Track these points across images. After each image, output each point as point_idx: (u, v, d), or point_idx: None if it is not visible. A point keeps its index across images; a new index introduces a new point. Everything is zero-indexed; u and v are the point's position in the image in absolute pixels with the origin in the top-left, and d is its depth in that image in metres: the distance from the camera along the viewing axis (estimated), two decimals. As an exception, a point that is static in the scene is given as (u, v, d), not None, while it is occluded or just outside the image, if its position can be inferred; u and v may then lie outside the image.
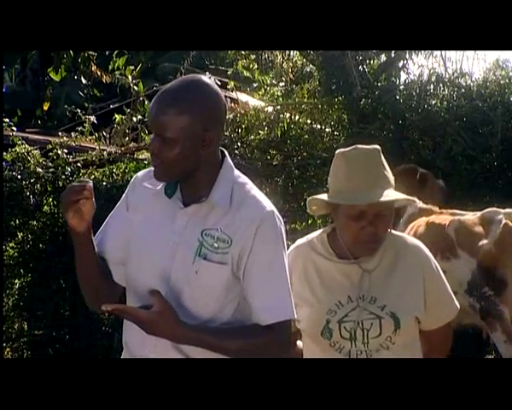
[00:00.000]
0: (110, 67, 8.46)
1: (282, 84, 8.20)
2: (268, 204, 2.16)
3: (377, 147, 2.44)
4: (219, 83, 7.77)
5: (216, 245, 2.11)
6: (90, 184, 2.11)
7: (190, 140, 2.08)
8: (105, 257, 2.26)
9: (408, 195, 2.49)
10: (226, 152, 2.23)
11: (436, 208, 5.12)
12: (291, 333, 2.18)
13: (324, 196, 2.44)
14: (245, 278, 2.12)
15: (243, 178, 2.21)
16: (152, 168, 2.19)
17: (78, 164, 7.25)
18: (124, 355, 2.25)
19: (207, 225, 2.13)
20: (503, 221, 4.67)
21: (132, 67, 8.46)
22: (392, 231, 2.51)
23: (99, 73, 12.90)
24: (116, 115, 8.03)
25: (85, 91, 16.27)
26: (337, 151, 2.46)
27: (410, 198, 2.45)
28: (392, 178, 2.42)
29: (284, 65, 8.62)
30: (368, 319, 2.37)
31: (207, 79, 2.18)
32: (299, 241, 2.54)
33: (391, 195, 2.35)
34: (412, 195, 2.58)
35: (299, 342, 2.58)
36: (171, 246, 2.14)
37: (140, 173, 2.31)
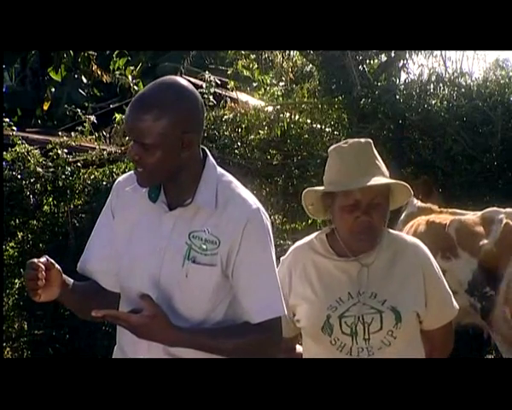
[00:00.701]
0: (111, 68, 8.44)
1: (282, 83, 8.18)
2: (254, 202, 2.15)
3: (369, 140, 2.47)
4: (219, 82, 7.77)
5: (204, 247, 2.10)
6: (43, 260, 2.06)
7: (170, 144, 2.07)
8: (95, 269, 2.25)
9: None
10: (208, 151, 2.21)
11: (435, 207, 5.12)
12: (281, 330, 2.17)
13: (317, 188, 2.46)
14: (234, 276, 2.11)
15: (227, 177, 2.20)
16: (133, 172, 2.18)
17: (78, 164, 7.25)
18: (116, 355, 2.24)
19: (194, 227, 2.12)
20: (504, 221, 4.67)
21: (132, 67, 8.45)
22: (391, 231, 2.51)
23: (99, 73, 12.88)
24: (116, 115, 8.02)
25: (86, 91, 16.26)
26: (330, 148, 2.49)
27: (402, 183, 2.44)
28: (385, 168, 2.43)
29: (284, 64, 8.60)
30: (368, 314, 2.37)
31: (181, 79, 2.16)
32: (298, 242, 2.55)
33: (382, 180, 2.36)
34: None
35: (298, 347, 2.58)
36: (158, 251, 2.12)
37: (121, 178, 2.29)
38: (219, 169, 2.20)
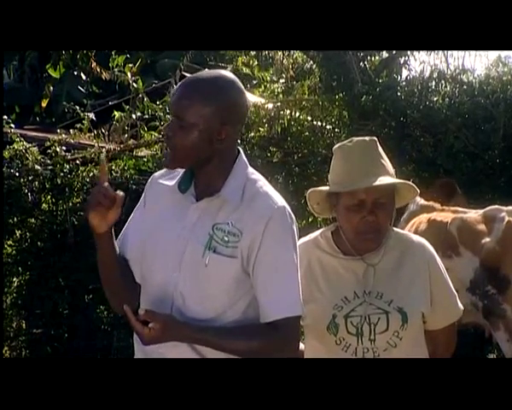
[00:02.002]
0: (110, 65, 8.42)
1: (282, 80, 8.15)
2: (280, 200, 2.17)
3: (374, 138, 2.45)
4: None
5: (226, 239, 2.12)
6: (122, 195, 2.12)
7: (207, 130, 2.11)
8: (126, 257, 2.27)
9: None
10: (241, 151, 2.25)
11: (437, 205, 5.09)
12: (299, 331, 2.16)
13: (322, 188, 2.45)
14: (254, 273, 2.12)
15: (256, 175, 2.23)
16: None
17: (77, 161, 7.24)
18: (136, 354, 2.23)
19: (218, 220, 2.14)
20: (506, 219, 4.64)
21: (131, 64, 8.42)
22: (397, 230, 2.49)
23: (98, 70, 12.85)
24: (115, 112, 8.00)
25: (84, 88, 16.25)
26: (334, 146, 2.48)
27: (407, 182, 2.43)
28: (391, 167, 2.41)
29: (284, 61, 8.57)
30: (375, 314, 2.35)
31: (236, 77, 2.22)
32: (303, 239, 2.52)
33: (387, 180, 2.34)
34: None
35: (300, 345, 2.54)
36: (181, 241, 2.15)
37: (157, 173, 2.35)
38: (250, 169, 2.24)
